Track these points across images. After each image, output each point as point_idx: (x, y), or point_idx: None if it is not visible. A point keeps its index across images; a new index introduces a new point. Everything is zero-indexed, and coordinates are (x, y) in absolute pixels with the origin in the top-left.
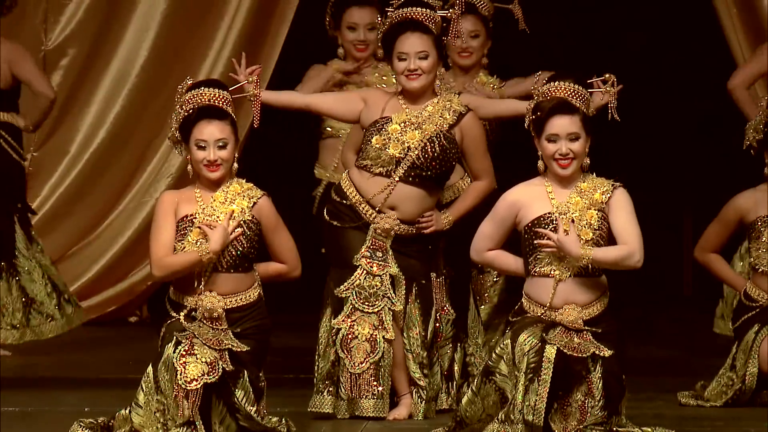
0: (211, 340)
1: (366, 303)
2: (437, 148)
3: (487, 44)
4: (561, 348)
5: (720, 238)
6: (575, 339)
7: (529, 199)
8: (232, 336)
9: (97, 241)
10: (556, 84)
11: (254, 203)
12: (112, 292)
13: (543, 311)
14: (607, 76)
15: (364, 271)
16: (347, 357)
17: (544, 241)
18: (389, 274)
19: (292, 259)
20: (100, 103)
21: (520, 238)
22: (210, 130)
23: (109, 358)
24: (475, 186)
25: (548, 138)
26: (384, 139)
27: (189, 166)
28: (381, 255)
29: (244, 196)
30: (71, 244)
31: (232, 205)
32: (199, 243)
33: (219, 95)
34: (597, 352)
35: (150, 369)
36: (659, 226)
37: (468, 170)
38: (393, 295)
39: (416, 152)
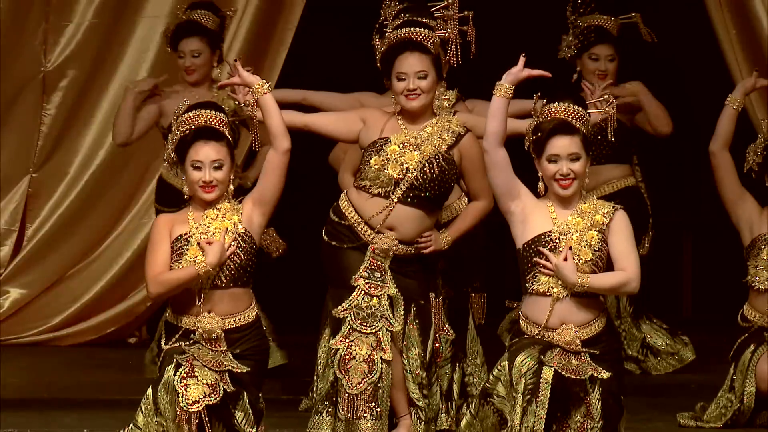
0: (211, 361)
1: (364, 324)
2: (436, 169)
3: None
4: (559, 370)
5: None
6: (573, 361)
7: (532, 210)
8: (231, 357)
9: (97, 262)
10: (555, 105)
11: (241, 213)
12: (111, 312)
13: (539, 330)
14: (606, 96)
15: (362, 292)
16: (345, 378)
17: (543, 261)
18: (387, 295)
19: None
20: (99, 124)
21: (518, 256)
22: (206, 151)
23: (109, 379)
24: (474, 206)
25: (549, 158)
26: (383, 160)
27: (185, 188)
28: (379, 275)
29: (233, 211)
30: (71, 265)
31: (225, 221)
32: (195, 260)
33: (215, 117)
34: (595, 374)
35: (150, 391)
36: (659, 247)
37: (466, 190)
38: (391, 315)
39: (415, 173)
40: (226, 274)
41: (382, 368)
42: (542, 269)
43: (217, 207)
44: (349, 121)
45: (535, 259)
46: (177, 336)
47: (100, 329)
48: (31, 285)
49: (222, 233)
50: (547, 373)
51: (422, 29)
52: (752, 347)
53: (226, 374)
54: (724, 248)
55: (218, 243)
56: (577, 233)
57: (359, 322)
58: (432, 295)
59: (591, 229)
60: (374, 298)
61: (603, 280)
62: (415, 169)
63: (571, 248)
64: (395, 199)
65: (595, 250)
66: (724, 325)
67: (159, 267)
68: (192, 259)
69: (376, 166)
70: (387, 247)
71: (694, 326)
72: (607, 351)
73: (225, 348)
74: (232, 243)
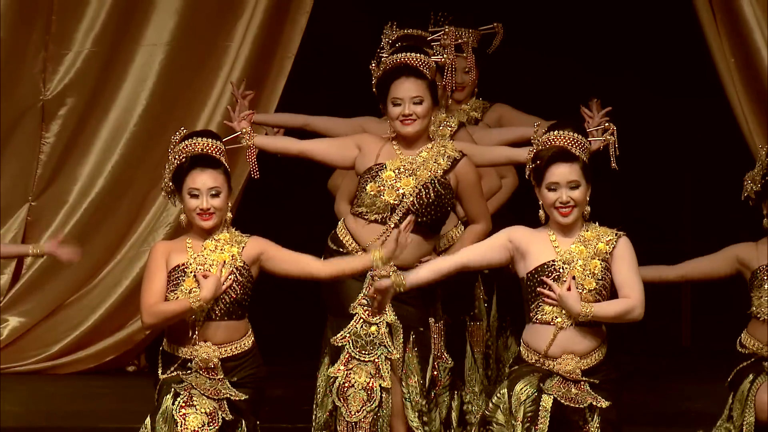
0: (209, 390)
1: (363, 351)
2: (432, 194)
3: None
4: (558, 398)
5: (706, 267)
6: (572, 389)
7: (532, 245)
8: (229, 385)
9: (96, 290)
10: (555, 132)
11: (243, 247)
12: (110, 341)
13: (539, 358)
14: (606, 125)
15: (361, 320)
16: (344, 405)
17: (547, 291)
18: (386, 323)
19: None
20: (98, 152)
21: (521, 285)
22: (203, 179)
23: (107, 408)
24: (472, 229)
25: (548, 186)
26: (378, 186)
27: (182, 216)
28: None
29: (233, 243)
30: (69, 293)
31: (223, 253)
32: (191, 291)
33: (211, 145)
34: (594, 403)
35: (148, 420)
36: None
37: (464, 214)
38: (390, 343)
39: (411, 198)
40: (220, 308)
41: (381, 396)
42: (546, 299)
43: (216, 237)
44: (344, 148)
45: (538, 289)
46: (174, 365)
47: (99, 357)
48: (29, 313)
49: (219, 266)
50: (546, 401)
51: (418, 54)
52: (751, 377)
53: (225, 402)
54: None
55: (214, 277)
56: (580, 262)
57: (358, 349)
58: (431, 320)
59: (594, 258)
60: (373, 326)
61: (607, 308)
62: (411, 195)
63: (574, 277)
64: (392, 225)
65: (598, 279)
66: (723, 354)
67: (154, 297)
68: (188, 291)
69: (372, 193)
70: (386, 274)
71: (693, 355)
72: (607, 380)
73: (222, 376)
74: (229, 276)
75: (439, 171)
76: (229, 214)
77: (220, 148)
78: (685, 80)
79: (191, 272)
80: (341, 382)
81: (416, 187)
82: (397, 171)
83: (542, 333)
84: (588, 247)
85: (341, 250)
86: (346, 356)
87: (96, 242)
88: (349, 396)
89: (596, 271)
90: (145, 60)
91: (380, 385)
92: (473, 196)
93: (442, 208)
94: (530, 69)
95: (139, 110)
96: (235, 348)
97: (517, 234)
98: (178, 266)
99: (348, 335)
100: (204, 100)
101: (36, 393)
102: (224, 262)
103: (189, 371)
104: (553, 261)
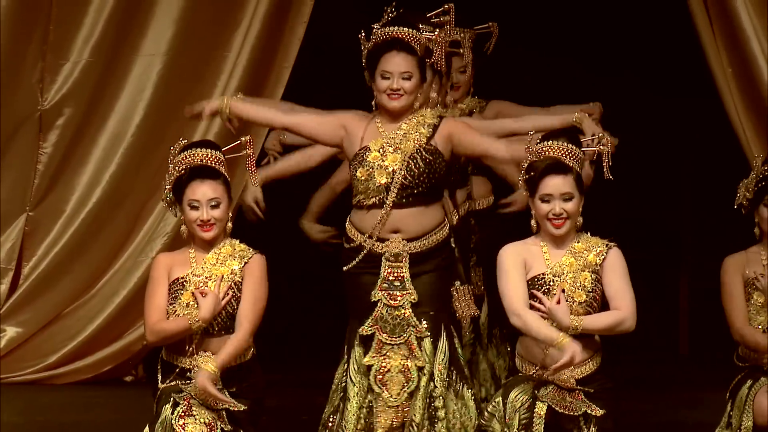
0: (207, 400)
1: (392, 335)
2: (421, 164)
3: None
4: (552, 406)
5: (744, 303)
6: (567, 398)
7: (527, 256)
8: (227, 395)
9: (93, 300)
10: (549, 143)
11: (245, 262)
12: (108, 351)
13: (535, 370)
14: (600, 134)
15: (384, 305)
16: (384, 390)
17: (537, 304)
18: (410, 302)
19: (243, 326)
20: (96, 162)
21: None
22: (203, 190)
23: (105, 418)
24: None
25: (542, 198)
26: (368, 170)
27: (183, 227)
28: (399, 284)
29: (235, 257)
30: (67, 303)
31: (222, 267)
32: (189, 305)
33: (211, 155)
34: (589, 411)
35: (146, 430)
36: (655, 283)
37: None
38: (417, 322)
39: (402, 173)
40: (218, 322)
41: (418, 376)
42: (537, 312)
43: (217, 250)
44: (331, 127)
45: (529, 301)
46: (173, 374)
47: (97, 368)
48: (27, 323)
49: (217, 282)
50: (541, 408)
51: (409, 29)
52: (749, 383)
53: (224, 413)
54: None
55: (212, 295)
56: (570, 274)
57: (387, 334)
58: (457, 282)
59: (584, 270)
60: (398, 308)
61: (597, 321)
62: (401, 169)
63: (564, 290)
64: (390, 204)
65: (589, 291)
66: (722, 363)
67: (156, 314)
68: (185, 304)
69: (363, 177)
70: (398, 251)
71: (691, 363)
72: (602, 389)
73: (221, 387)
74: (228, 291)
75: (422, 139)
76: (230, 224)
77: (219, 159)
78: (685, 81)
79: (190, 285)
80: (377, 369)
81: (404, 160)
82: (381, 150)
83: (536, 344)
84: (579, 259)
85: (353, 245)
86: (378, 343)
87: (93, 252)
88: (387, 381)
89: (586, 284)
90: (142, 70)
91: (416, 365)
92: (473, 136)
93: (435, 174)
94: (530, 69)
95: (137, 120)
96: (235, 359)
97: (516, 252)
98: (178, 279)
99: (376, 322)
100: None
101: (34, 403)
102: (222, 276)
103: (188, 381)
104: (543, 274)
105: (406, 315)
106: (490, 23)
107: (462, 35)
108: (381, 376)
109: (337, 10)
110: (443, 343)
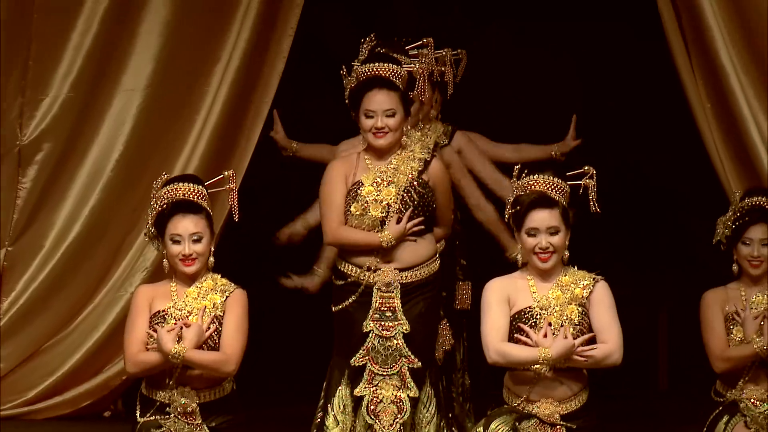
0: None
1: (384, 365)
2: (415, 196)
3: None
4: None
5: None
6: None
7: (512, 293)
8: (207, 430)
9: (72, 335)
10: (535, 177)
11: (227, 296)
12: (87, 386)
13: (519, 402)
14: (585, 168)
15: (375, 335)
16: (376, 422)
17: (524, 338)
18: (401, 332)
19: (225, 352)
20: (75, 197)
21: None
22: (185, 225)
23: None
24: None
25: (528, 232)
26: (362, 205)
27: (165, 261)
28: (391, 314)
29: (217, 291)
30: (46, 338)
31: (204, 301)
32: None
33: (194, 189)
34: None
35: None
36: (636, 319)
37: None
38: (409, 352)
39: (396, 206)
40: None
41: (410, 406)
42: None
43: (199, 284)
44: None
45: (515, 335)
46: (152, 409)
47: (76, 403)
48: (6, 359)
49: (200, 314)
50: None
51: (390, 64)
52: (726, 418)
53: None
54: (699, 321)
55: (195, 326)
56: (557, 308)
57: (379, 365)
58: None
59: (571, 303)
60: (390, 339)
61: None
62: (395, 203)
63: (550, 324)
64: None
65: (575, 325)
66: (700, 398)
67: (136, 346)
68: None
69: (358, 212)
70: (390, 281)
71: (670, 399)
72: (586, 426)
73: (200, 421)
74: (211, 324)
75: (414, 173)
76: (212, 259)
77: (201, 193)
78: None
79: (171, 319)
80: (369, 399)
81: (398, 193)
82: (375, 184)
83: (522, 378)
84: (565, 293)
85: (347, 281)
86: (369, 374)
87: (72, 287)
88: (379, 412)
89: (573, 317)
90: (122, 105)
91: (408, 396)
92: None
93: (427, 207)
94: (530, 69)
95: (116, 155)
96: (215, 393)
97: (500, 288)
98: (159, 312)
99: (366, 353)
100: (181, 145)
101: None
102: (204, 308)
103: (167, 416)
104: (530, 308)
105: (398, 345)
106: (459, 50)
107: (444, 52)
108: (373, 407)
109: (316, 44)
110: (427, 393)
